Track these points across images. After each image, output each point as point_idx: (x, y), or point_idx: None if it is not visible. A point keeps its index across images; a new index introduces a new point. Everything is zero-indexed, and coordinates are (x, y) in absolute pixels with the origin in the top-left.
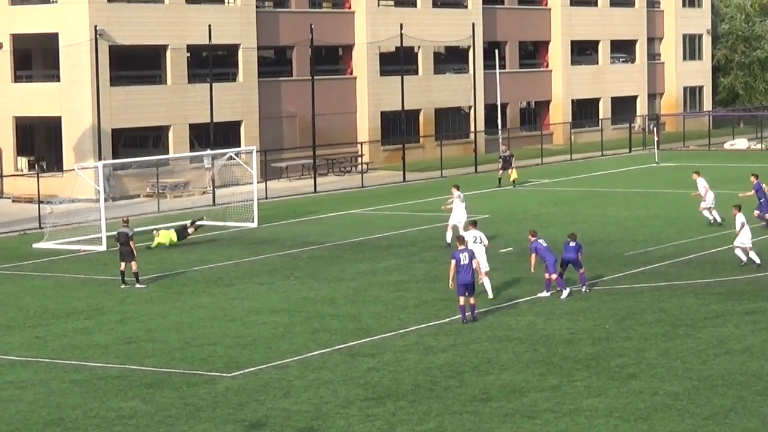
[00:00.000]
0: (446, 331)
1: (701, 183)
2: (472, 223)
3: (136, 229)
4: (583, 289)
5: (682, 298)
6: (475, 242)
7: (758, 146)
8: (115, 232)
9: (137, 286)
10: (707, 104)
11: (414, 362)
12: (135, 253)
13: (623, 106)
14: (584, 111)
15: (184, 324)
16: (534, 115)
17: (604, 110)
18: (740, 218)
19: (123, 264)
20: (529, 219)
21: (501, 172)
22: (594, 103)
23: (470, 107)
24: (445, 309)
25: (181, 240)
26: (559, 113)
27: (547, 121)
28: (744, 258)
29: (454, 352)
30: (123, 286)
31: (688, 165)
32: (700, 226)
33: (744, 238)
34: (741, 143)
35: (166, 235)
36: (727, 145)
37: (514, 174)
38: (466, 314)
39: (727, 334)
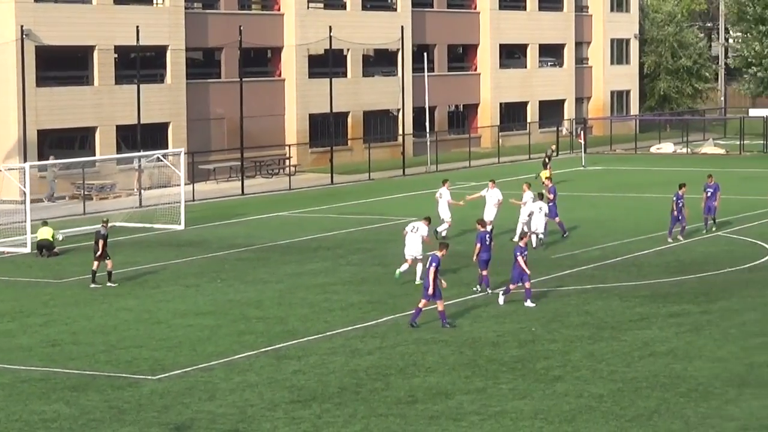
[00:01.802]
0: (372, 333)
1: (528, 196)
2: (426, 219)
3: (62, 231)
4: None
5: (607, 300)
6: (413, 231)
7: (684, 150)
8: (95, 231)
9: (108, 284)
10: (634, 108)
11: (340, 365)
12: (106, 253)
13: (551, 110)
14: (512, 114)
15: (109, 326)
16: (462, 118)
17: (532, 114)
18: (536, 205)
19: (96, 263)
20: (455, 222)
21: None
22: (522, 106)
23: (398, 110)
24: (372, 311)
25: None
26: (488, 116)
27: (475, 124)
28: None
29: (380, 354)
30: (93, 285)
31: (615, 169)
32: (626, 229)
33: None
34: (667, 147)
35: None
36: (653, 149)
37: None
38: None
39: (651, 336)
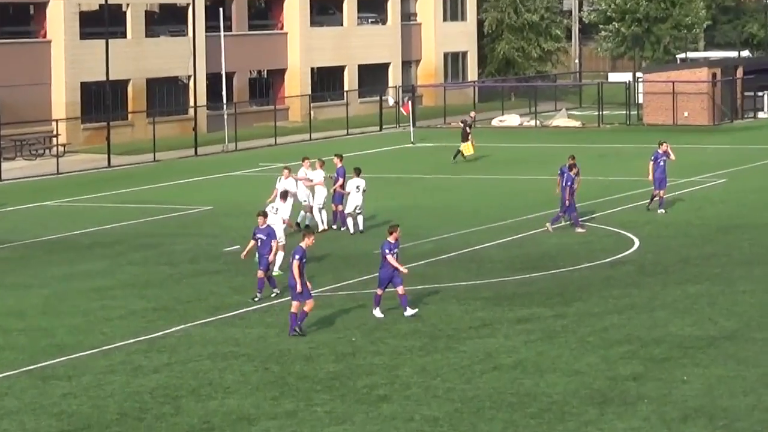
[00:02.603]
0: (159, 347)
1: (318, 175)
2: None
3: None
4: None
5: (442, 304)
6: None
7: (532, 122)
8: None
9: None
10: (472, 74)
11: (120, 385)
12: None
13: (373, 76)
14: (326, 82)
15: None
16: (266, 86)
17: (350, 81)
18: (355, 182)
19: None
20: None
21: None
22: (338, 72)
23: (189, 77)
24: (158, 320)
25: None
26: (296, 84)
27: (282, 93)
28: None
29: (168, 372)
30: None
31: (450, 145)
32: (464, 218)
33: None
34: (512, 119)
35: None
36: (495, 122)
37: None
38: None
39: (495, 346)
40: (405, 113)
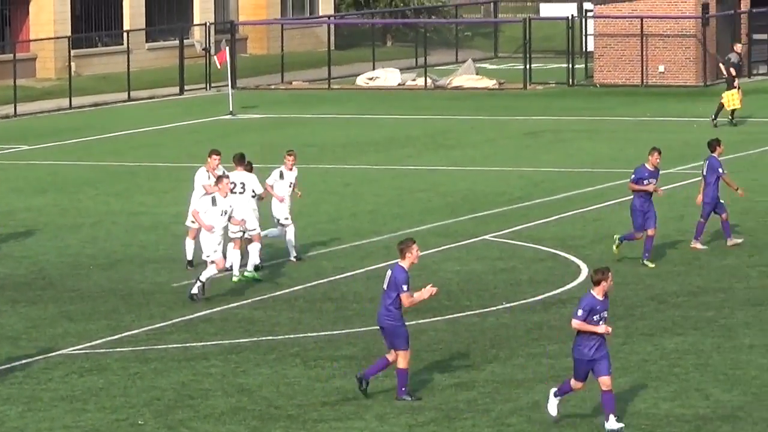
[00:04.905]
0: None
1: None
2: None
3: None
4: None
5: (279, 366)
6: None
7: (420, 81)
8: None
9: None
10: (325, 5)
11: None
12: None
13: (168, 9)
14: (95, 18)
15: None
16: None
17: (133, 16)
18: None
19: None
20: None
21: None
22: (114, 3)
23: None
24: None
25: None
26: (49, 22)
27: (24, 35)
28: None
29: None
30: None
31: (288, 117)
32: (314, 231)
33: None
34: (389, 76)
35: None
36: (362, 80)
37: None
38: None
39: None
40: (220, 66)
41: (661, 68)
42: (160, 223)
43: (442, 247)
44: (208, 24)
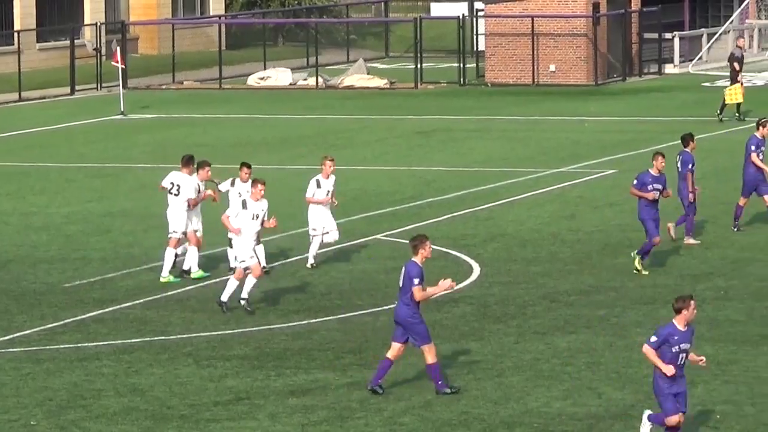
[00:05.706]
0: None
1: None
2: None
3: None
4: None
5: (171, 366)
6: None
7: (311, 81)
8: None
9: None
10: (217, 4)
11: None
12: None
13: (59, 9)
14: None
15: None
16: None
17: (24, 15)
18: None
19: None
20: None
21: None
22: (3, 2)
23: None
24: None
25: None
26: None
27: None
28: None
29: None
30: None
31: (178, 117)
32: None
33: None
34: (280, 76)
35: None
36: (253, 80)
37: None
38: None
39: None
40: (122, 66)
41: (552, 67)
42: (52, 223)
43: (334, 247)
44: (98, 24)
